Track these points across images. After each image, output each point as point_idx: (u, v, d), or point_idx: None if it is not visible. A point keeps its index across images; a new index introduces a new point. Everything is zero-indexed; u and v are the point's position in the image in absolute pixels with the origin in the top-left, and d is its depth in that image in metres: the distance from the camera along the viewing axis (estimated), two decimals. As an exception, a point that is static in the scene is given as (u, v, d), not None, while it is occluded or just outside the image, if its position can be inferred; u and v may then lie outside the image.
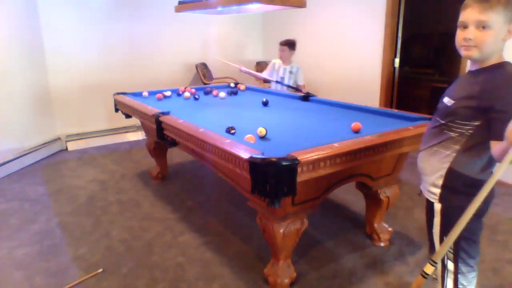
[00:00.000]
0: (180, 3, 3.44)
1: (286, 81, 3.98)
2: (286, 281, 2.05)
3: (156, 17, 5.26)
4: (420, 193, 1.57)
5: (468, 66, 3.65)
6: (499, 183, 3.69)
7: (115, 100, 3.58)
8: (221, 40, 6.03)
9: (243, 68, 4.16)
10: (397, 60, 4.58)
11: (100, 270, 2.27)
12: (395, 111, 2.63)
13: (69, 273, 2.26)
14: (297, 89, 3.90)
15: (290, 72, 4.00)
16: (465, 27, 1.28)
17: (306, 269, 2.27)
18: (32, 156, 4.26)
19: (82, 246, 2.55)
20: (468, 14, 1.26)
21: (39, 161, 4.33)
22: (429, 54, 5.89)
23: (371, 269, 2.27)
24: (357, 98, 3.59)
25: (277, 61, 4.06)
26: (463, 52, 1.31)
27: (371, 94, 4.70)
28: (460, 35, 1.30)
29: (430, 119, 2.30)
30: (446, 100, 1.38)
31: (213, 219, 2.92)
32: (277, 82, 3.98)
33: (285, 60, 4.00)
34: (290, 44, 3.94)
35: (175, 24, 5.41)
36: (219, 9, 3.10)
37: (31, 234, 2.72)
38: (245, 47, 6.33)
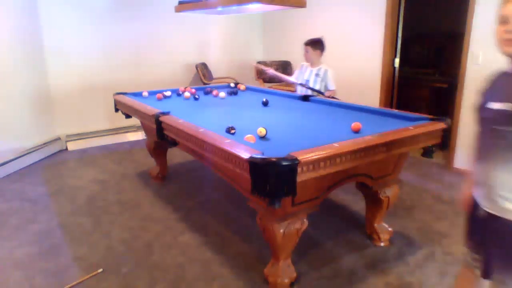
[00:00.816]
0: (180, 3, 3.44)
1: (311, 84, 3.64)
2: (286, 281, 2.05)
3: (156, 17, 5.26)
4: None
5: (468, 65, 3.66)
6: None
7: (115, 100, 3.58)
8: (221, 40, 6.03)
9: (271, 71, 3.93)
10: (397, 60, 4.58)
11: (100, 270, 2.27)
12: (395, 111, 2.63)
13: (69, 273, 2.26)
14: (320, 92, 3.60)
15: (317, 75, 3.62)
16: (506, 22, 1.24)
17: (306, 269, 2.27)
18: (32, 156, 4.26)
19: (82, 246, 2.55)
20: (510, 8, 1.23)
21: (39, 161, 4.33)
22: (429, 54, 5.89)
23: (371, 269, 2.27)
24: (357, 98, 3.59)
25: (305, 63, 3.75)
26: (505, 48, 1.26)
27: (371, 94, 4.70)
28: (501, 29, 1.26)
29: (430, 119, 2.32)
30: (504, 106, 1.24)
31: (213, 219, 2.92)
32: (300, 84, 3.70)
33: (312, 62, 3.66)
34: (313, 44, 3.58)
35: (175, 24, 5.41)
36: (219, 9, 3.10)
37: (31, 234, 2.72)
38: (245, 47, 6.33)
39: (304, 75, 3.72)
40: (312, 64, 3.68)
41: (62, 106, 4.79)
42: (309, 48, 3.60)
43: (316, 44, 3.59)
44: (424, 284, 2.13)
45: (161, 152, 3.62)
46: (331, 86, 3.65)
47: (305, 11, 5.30)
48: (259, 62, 5.98)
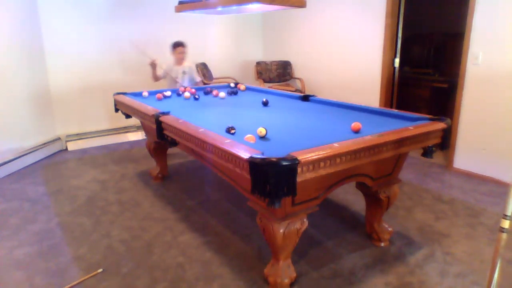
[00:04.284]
0: (180, 3, 3.44)
1: (179, 80, 4.37)
2: (286, 281, 2.05)
3: (156, 17, 5.26)
4: None
5: (467, 65, 3.66)
6: (498, 183, 3.69)
7: (115, 100, 3.58)
8: (221, 40, 6.03)
9: (155, 63, 4.27)
10: (397, 60, 4.58)
11: (100, 270, 2.27)
12: (395, 111, 2.63)
13: (69, 273, 2.26)
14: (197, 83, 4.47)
15: (184, 72, 4.39)
16: None
17: (306, 269, 2.27)
18: (32, 156, 4.26)
19: (82, 246, 2.55)
20: None
21: (39, 161, 4.34)
22: (429, 54, 5.88)
23: (371, 269, 2.27)
24: (357, 98, 3.59)
25: (171, 64, 4.42)
26: None
27: (371, 94, 4.70)
28: None
29: (430, 119, 2.32)
30: None
31: (213, 219, 2.92)
32: (176, 81, 4.38)
33: (182, 60, 4.38)
34: (184, 45, 4.33)
35: (175, 24, 5.41)
36: (219, 9, 3.10)
37: (31, 234, 2.72)
38: (245, 47, 6.33)
39: (172, 73, 4.39)
40: (179, 63, 4.36)
41: (62, 106, 4.79)
42: (184, 48, 4.30)
43: (185, 44, 4.34)
44: (424, 284, 2.13)
45: (161, 152, 3.62)
46: (197, 78, 4.54)
47: (305, 11, 5.30)
48: (258, 63, 5.98)
